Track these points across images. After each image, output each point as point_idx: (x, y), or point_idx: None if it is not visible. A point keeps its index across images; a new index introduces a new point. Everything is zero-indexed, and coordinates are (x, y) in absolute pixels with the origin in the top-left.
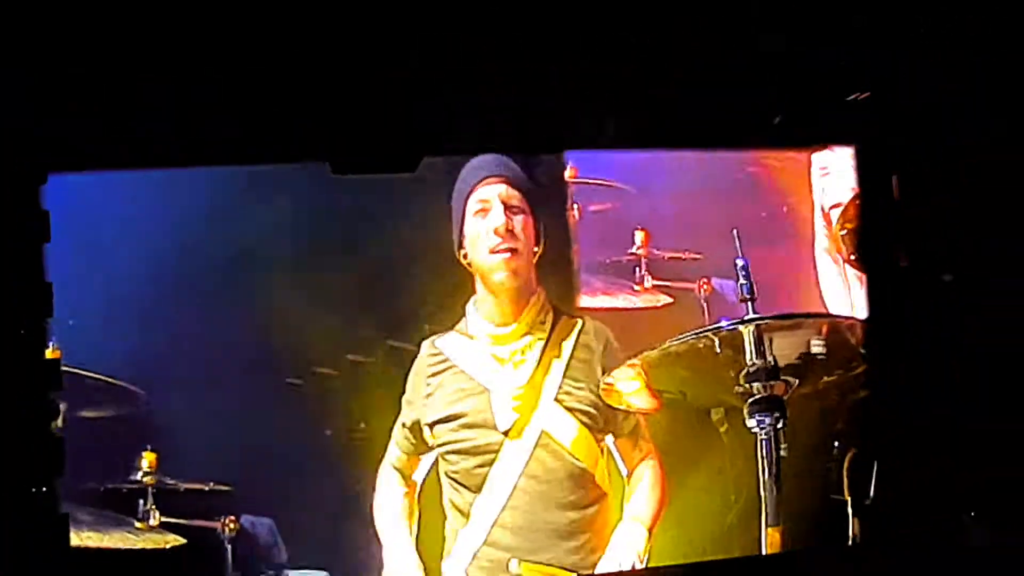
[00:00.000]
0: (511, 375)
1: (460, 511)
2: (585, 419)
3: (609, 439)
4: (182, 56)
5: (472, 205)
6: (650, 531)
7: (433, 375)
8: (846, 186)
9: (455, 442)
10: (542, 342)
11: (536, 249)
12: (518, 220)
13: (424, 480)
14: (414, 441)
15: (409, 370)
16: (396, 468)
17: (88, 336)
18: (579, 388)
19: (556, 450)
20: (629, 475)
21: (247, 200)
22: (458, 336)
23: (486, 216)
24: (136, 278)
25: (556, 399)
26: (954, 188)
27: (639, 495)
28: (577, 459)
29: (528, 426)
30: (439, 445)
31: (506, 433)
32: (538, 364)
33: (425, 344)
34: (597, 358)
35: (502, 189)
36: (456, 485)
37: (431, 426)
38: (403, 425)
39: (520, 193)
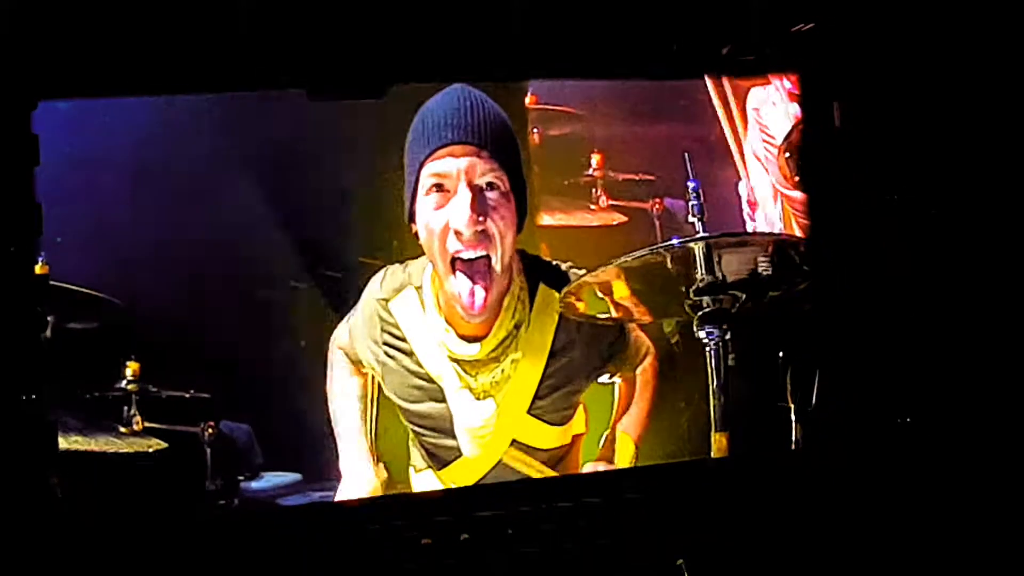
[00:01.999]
0: (479, 406)
1: (424, 460)
2: (561, 420)
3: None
4: None
5: (426, 180)
6: (636, 443)
7: (387, 344)
8: (786, 112)
9: (416, 425)
10: (516, 361)
11: (517, 233)
12: (494, 214)
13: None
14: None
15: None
16: (346, 355)
17: (74, 252)
18: (556, 396)
19: (528, 449)
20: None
21: (227, 121)
22: (416, 308)
23: (445, 203)
24: (119, 197)
25: (529, 413)
26: (893, 115)
27: (631, 408)
28: (550, 448)
29: (496, 441)
30: (403, 412)
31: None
32: (508, 392)
33: (377, 302)
34: (579, 347)
35: (470, 163)
36: (421, 446)
37: (387, 388)
38: (351, 337)
39: (498, 166)
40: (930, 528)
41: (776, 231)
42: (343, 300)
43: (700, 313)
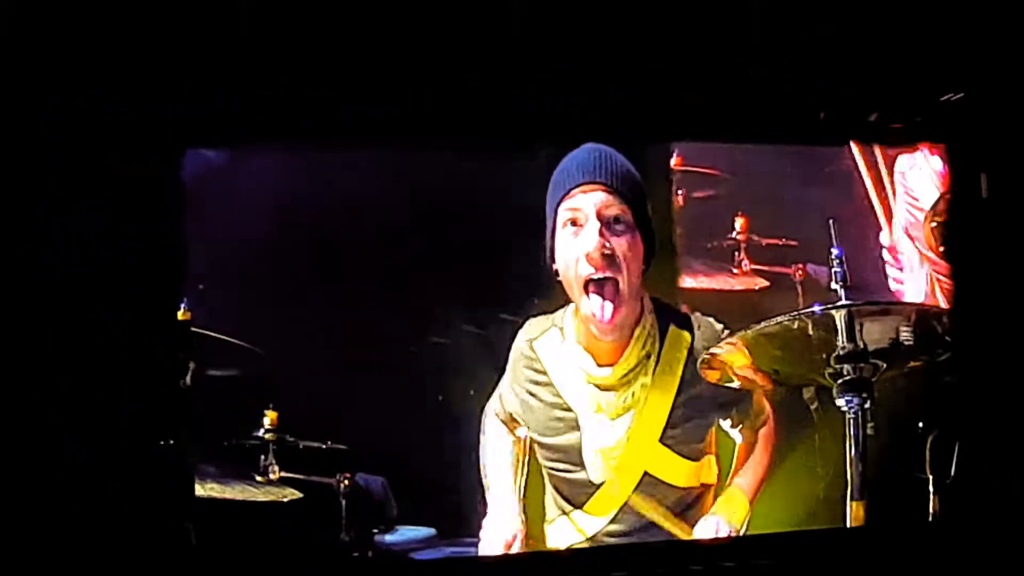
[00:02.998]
0: (610, 428)
1: (559, 507)
2: (692, 455)
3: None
4: (321, 46)
5: (562, 215)
6: (751, 501)
7: (529, 382)
8: (932, 182)
9: (553, 462)
10: (646, 386)
11: (644, 268)
12: (620, 241)
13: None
14: (510, 421)
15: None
16: (499, 417)
17: (217, 300)
18: (687, 426)
19: (660, 485)
20: (744, 444)
21: (371, 180)
22: (555, 340)
23: (578, 234)
24: (265, 245)
25: (661, 441)
26: None
27: (747, 464)
28: (681, 486)
29: (628, 470)
30: (541, 455)
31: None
32: (639, 415)
33: (523, 343)
34: (707, 385)
35: (600, 198)
36: (557, 486)
37: (528, 426)
38: (500, 402)
39: (623, 202)
40: None
41: (920, 300)
42: (483, 355)
43: (840, 381)
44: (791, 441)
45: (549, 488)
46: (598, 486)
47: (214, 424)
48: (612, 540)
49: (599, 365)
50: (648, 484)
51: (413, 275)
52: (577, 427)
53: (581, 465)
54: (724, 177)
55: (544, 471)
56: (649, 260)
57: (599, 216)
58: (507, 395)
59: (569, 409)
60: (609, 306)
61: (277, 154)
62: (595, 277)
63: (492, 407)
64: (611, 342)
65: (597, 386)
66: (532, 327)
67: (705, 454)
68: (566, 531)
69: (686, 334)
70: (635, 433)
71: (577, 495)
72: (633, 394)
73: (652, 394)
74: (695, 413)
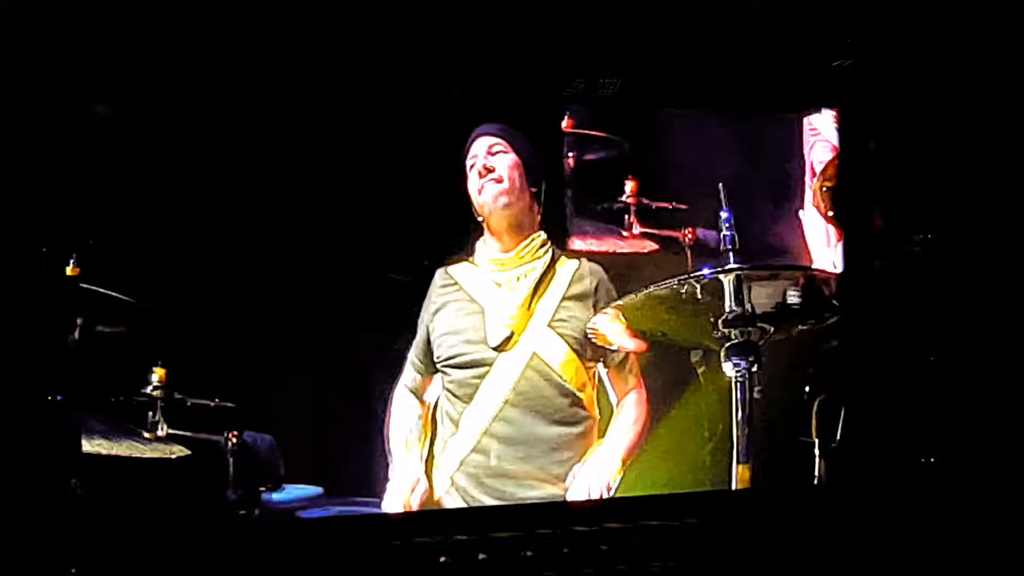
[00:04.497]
0: (507, 297)
1: (452, 421)
2: (576, 346)
3: (601, 368)
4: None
5: (467, 162)
6: (624, 460)
7: (441, 295)
8: (829, 146)
9: (453, 357)
10: (539, 271)
11: (531, 188)
12: (498, 159)
13: (436, 402)
14: (424, 360)
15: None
16: (410, 389)
17: (105, 255)
18: (572, 317)
19: (545, 370)
20: (617, 403)
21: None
22: (467, 264)
23: (473, 166)
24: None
25: (549, 325)
26: (928, 152)
27: (621, 423)
28: (565, 380)
29: (520, 345)
30: (440, 360)
31: (498, 348)
32: (533, 290)
33: (439, 270)
34: (590, 294)
35: (485, 140)
36: (451, 396)
37: (436, 342)
38: (416, 346)
39: (500, 139)
40: (948, 567)
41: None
42: (380, 310)
43: (728, 345)
44: (677, 404)
45: (443, 400)
46: (490, 365)
47: (102, 380)
48: (498, 447)
49: (501, 251)
50: (534, 377)
51: (304, 225)
52: (480, 310)
53: (478, 341)
54: (614, 140)
55: (442, 398)
56: (528, 177)
57: (485, 149)
58: (419, 336)
59: (474, 300)
60: (495, 185)
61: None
62: (483, 180)
63: (402, 381)
64: (508, 225)
65: (499, 266)
66: (445, 266)
67: (590, 359)
68: (455, 447)
69: (573, 259)
70: (528, 305)
71: (466, 387)
72: (526, 274)
73: (544, 282)
74: (578, 311)
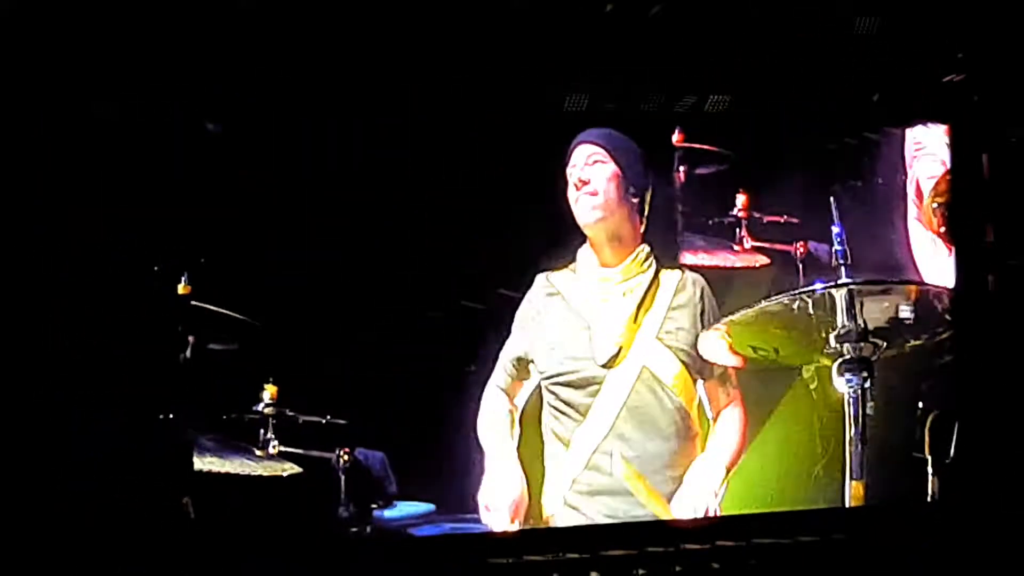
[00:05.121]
0: (613, 311)
1: (561, 439)
2: (685, 358)
3: (699, 382)
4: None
5: (568, 171)
6: (727, 471)
7: (544, 303)
8: (938, 161)
9: (559, 374)
10: (644, 285)
11: (632, 199)
12: (596, 169)
13: (524, 408)
14: (518, 367)
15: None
16: (502, 389)
17: (219, 274)
18: (679, 329)
19: (657, 385)
20: (714, 418)
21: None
22: (568, 273)
23: (571, 177)
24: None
25: (657, 337)
26: None
27: (721, 437)
28: (676, 393)
29: (629, 360)
30: (544, 377)
31: (607, 366)
32: (640, 304)
33: (539, 276)
34: (695, 303)
35: (585, 148)
36: (558, 414)
37: (537, 355)
38: (511, 351)
39: (600, 147)
40: None
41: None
42: (482, 331)
43: (840, 361)
44: (789, 420)
45: (548, 418)
46: (600, 383)
47: (214, 398)
48: (608, 462)
49: (604, 266)
50: (645, 392)
51: (416, 249)
52: (586, 325)
53: (585, 358)
54: (726, 153)
55: (545, 402)
56: (627, 190)
57: (584, 158)
58: (515, 340)
59: (578, 313)
60: (591, 199)
61: (276, 127)
62: (580, 191)
63: (493, 380)
64: (608, 238)
65: (603, 281)
66: (547, 272)
67: (697, 364)
68: (567, 465)
69: (675, 270)
70: (635, 319)
71: (576, 406)
72: (632, 289)
73: (649, 295)
74: (684, 322)
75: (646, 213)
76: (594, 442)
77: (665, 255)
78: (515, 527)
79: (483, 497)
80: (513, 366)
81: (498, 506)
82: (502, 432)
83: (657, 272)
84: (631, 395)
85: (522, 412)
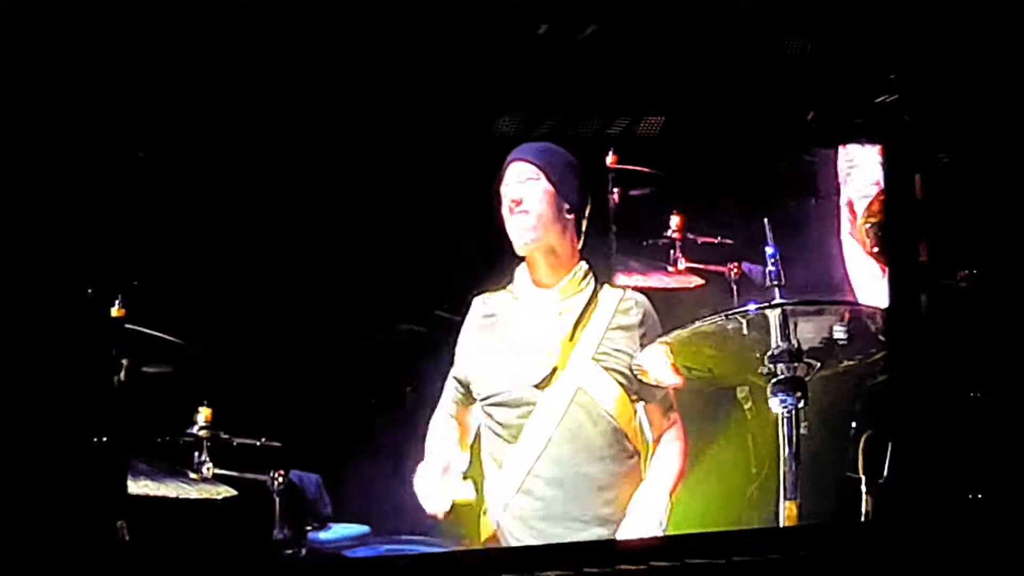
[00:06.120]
0: (549, 331)
1: (496, 461)
2: (622, 380)
3: (639, 404)
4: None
5: (501, 189)
6: (670, 495)
7: (480, 328)
8: (871, 179)
9: (495, 394)
10: (581, 304)
11: (567, 216)
12: (528, 187)
13: (475, 435)
14: (463, 392)
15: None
16: (451, 416)
17: (152, 296)
18: (617, 351)
19: (592, 406)
20: (655, 440)
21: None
22: (505, 294)
23: (504, 196)
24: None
25: (593, 358)
26: (974, 188)
27: (662, 460)
28: (612, 416)
29: (565, 381)
30: (482, 398)
31: (541, 386)
32: (576, 323)
33: (476, 300)
34: (636, 326)
35: (516, 167)
36: (493, 435)
37: (474, 379)
38: (454, 376)
39: (535, 167)
40: None
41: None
42: (420, 352)
43: (774, 381)
44: (723, 440)
45: (486, 441)
46: (534, 404)
47: (148, 421)
48: (544, 488)
49: (541, 286)
50: (580, 414)
51: (347, 274)
52: (522, 344)
53: (520, 378)
54: (659, 175)
55: (483, 426)
56: (561, 208)
57: (516, 176)
58: (457, 366)
59: (514, 334)
60: (525, 218)
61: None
62: (513, 209)
63: (441, 407)
64: (543, 256)
65: (540, 300)
66: (482, 295)
67: (634, 393)
68: (500, 488)
69: (617, 289)
70: (571, 338)
71: (511, 427)
72: (569, 308)
73: (586, 314)
74: (624, 343)
75: (583, 229)
76: (526, 465)
77: (599, 275)
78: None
79: (416, 483)
80: (457, 391)
81: (431, 474)
82: (449, 442)
83: (596, 291)
84: (565, 417)
85: (473, 440)
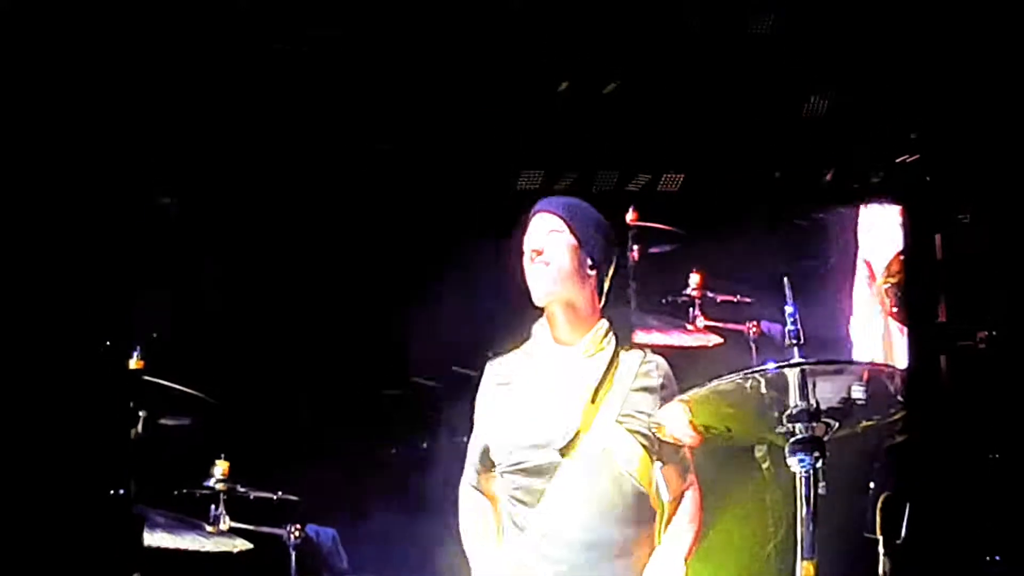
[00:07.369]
0: (570, 393)
1: (517, 526)
2: (644, 442)
3: (656, 465)
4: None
5: (524, 240)
6: (686, 560)
7: (496, 394)
8: (890, 241)
9: (517, 464)
10: (603, 364)
11: (589, 271)
12: (552, 239)
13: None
14: (484, 461)
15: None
16: (475, 487)
17: (171, 348)
18: (640, 412)
19: (617, 469)
20: (672, 502)
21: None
22: (520, 355)
23: (528, 244)
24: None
25: (616, 420)
26: (995, 249)
27: (678, 523)
28: (635, 478)
29: (589, 444)
30: (502, 467)
31: (563, 451)
32: (599, 384)
33: (489, 364)
34: (657, 388)
35: (542, 218)
36: (515, 501)
37: (493, 446)
38: (474, 444)
39: (560, 219)
40: None
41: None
42: (439, 408)
43: (792, 440)
44: (741, 499)
45: (507, 506)
46: (555, 469)
47: (165, 473)
48: (566, 553)
49: (561, 343)
50: (604, 477)
51: (368, 328)
52: (541, 408)
53: (542, 445)
54: (680, 233)
55: (505, 493)
56: (583, 263)
57: (540, 227)
58: (475, 434)
59: (533, 398)
60: (546, 270)
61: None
62: (534, 260)
63: (465, 479)
64: (563, 312)
65: (558, 360)
66: (497, 358)
67: (655, 455)
68: (521, 553)
69: (637, 350)
70: (593, 400)
71: (532, 493)
72: (589, 369)
73: (608, 375)
74: (645, 405)
75: (605, 288)
76: (547, 528)
77: (619, 334)
78: None
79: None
80: (479, 460)
81: None
82: (483, 535)
83: (616, 351)
84: (589, 480)
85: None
